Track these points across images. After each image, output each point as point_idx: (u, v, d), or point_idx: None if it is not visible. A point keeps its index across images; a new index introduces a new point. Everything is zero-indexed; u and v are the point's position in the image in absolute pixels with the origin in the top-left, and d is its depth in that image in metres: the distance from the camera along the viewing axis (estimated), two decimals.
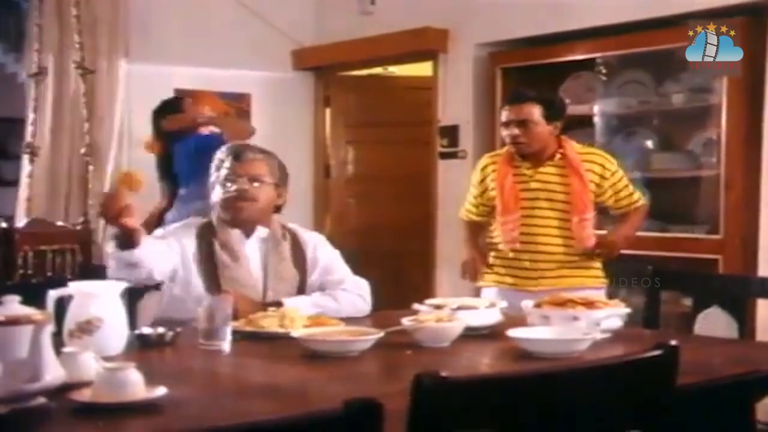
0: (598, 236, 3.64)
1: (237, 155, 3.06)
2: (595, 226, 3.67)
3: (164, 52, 5.46)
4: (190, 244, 3.01)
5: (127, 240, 2.72)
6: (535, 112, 3.57)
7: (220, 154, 3.12)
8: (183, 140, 4.79)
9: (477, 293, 3.78)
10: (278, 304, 2.86)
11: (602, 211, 3.83)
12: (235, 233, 3.06)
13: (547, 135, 3.59)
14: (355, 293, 3.10)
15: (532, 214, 3.61)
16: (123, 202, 2.67)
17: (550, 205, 3.60)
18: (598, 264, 3.65)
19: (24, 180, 5.29)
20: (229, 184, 3.03)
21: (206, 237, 3.04)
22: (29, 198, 5.26)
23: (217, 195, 3.07)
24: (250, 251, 3.06)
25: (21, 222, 4.91)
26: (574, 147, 3.66)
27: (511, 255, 3.64)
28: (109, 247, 2.78)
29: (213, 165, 3.12)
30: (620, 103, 4.73)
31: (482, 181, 3.74)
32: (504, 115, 3.64)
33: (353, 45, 5.65)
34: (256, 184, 3.02)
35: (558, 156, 3.61)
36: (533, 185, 3.61)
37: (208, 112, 5.01)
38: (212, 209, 3.12)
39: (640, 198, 3.72)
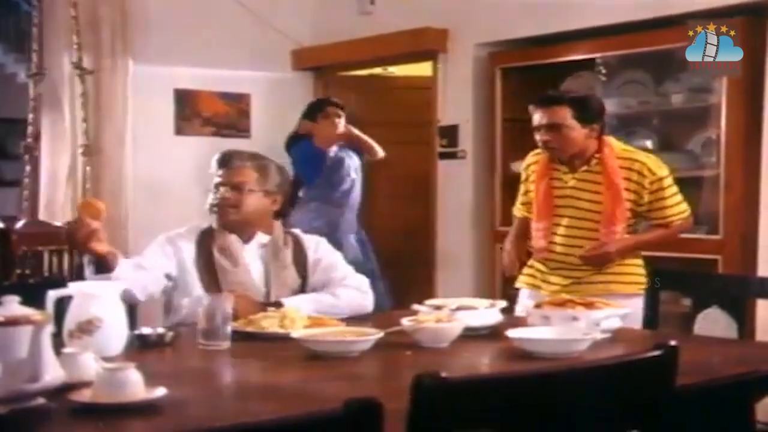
0: (596, 241, 3.39)
1: (223, 162, 3.13)
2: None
3: (164, 53, 5.46)
4: (189, 249, 3.03)
5: (102, 264, 2.73)
6: (567, 115, 3.33)
7: (213, 161, 3.17)
8: (298, 145, 5.23)
9: (516, 292, 3.64)
10: (278, 305, 2.86)
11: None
12: (233, 238, 3.07)
13: (583, 139, 3.35)
14: (353, 288, 3.09)
15: (562, 223, 3.42)
16: (88, 228, 2.66)
17: (582, 214, 3.39)
18: (628, 269, 3.40)
19: (24, 181, 5.30)
20: (214, 191, 3.09)
21: (205, 242, 3.06)
22: (27, 198, 5.27)
23: (210, 200, 3.12)
24: (250, 257, 3.07)
25: (18, 222, 4.91)
26: (615, 150, 3.40)
27: (545, 261, 3.48)
28: (88, 272, 2.78)
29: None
30: (620, 103, 4.72)
31: (525, 180, 3.61)
32: (534, 119, 3.41)
33: (353, 45, 5.65)
34: (238, 192, 3.06)
35: (595, 161, 3.38)
36: (568, 192, 3.42)
37: (340, 127, 5.31)
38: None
39: (678, 215, 3.40)
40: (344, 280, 3.11)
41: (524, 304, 3.41)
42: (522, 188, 3.67)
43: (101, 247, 2.70)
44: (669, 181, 3.40)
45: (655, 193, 3.37)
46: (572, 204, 3.42)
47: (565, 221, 3.43)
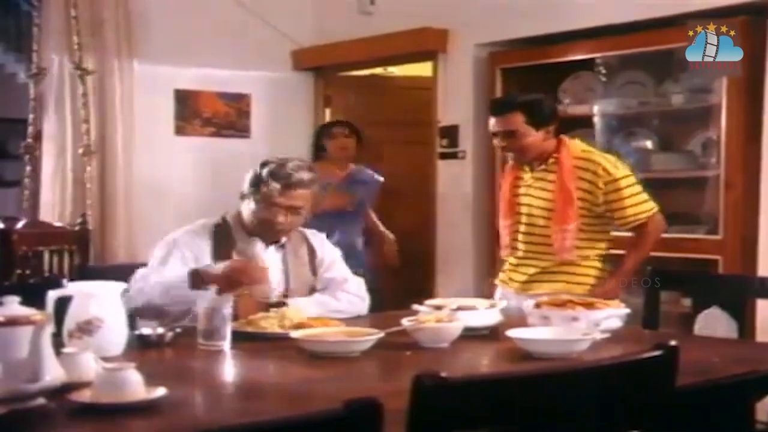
0: (597, 286, 3.38)
1: (286, 183, 3.00)
2: (609, 244, 3.49)
3: (164, 53, 5.46)
4: (206, 248, 3.00)
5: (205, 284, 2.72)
6: (519, 120, 3.39)
7: (267, 171, 3.02)
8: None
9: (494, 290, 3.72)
10: (282, 305, 2.86)
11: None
12: (256, 242, 3.06)
13: (539, 142, 3.41)
14: (354, 293, 3.14)
15: (522, 221, 3.51)
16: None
17: (536, 212, 3.46)
18: (584, 270, 3.44)
19: (24, 181, 5.30)
20: (264, 205, 2.99)
21: (223, 244, 3.03)
22: (28, 198, 5.27)
23: (255, 211, 3.02)
24: (270, 259, 3.06)
25: (19, 222, 4.91)
26: (572, 150, 3.44)
27: (513, 260, 3.57)
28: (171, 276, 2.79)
29: (254, 176, 3.05)
30: (620, 103, 4.72)
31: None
32: (490, 124, 3.50)
33: (353, 45, 5.65)
34: (295, 215, 3.03)
35: (552, 160, 3.44)
36: (530, 191, 3.49)
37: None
38: (234, 215, 3.10)
39: (637, 215, 3.39)
40: (344, 283, 3.15)
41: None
42: None
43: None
44: (627, 181, 3.39)
45: (610, 193, 3.37)
46: (528, 202, 3.49)
47: (524, 219, 3.51)
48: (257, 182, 3.03)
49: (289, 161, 3.06)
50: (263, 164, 3.07)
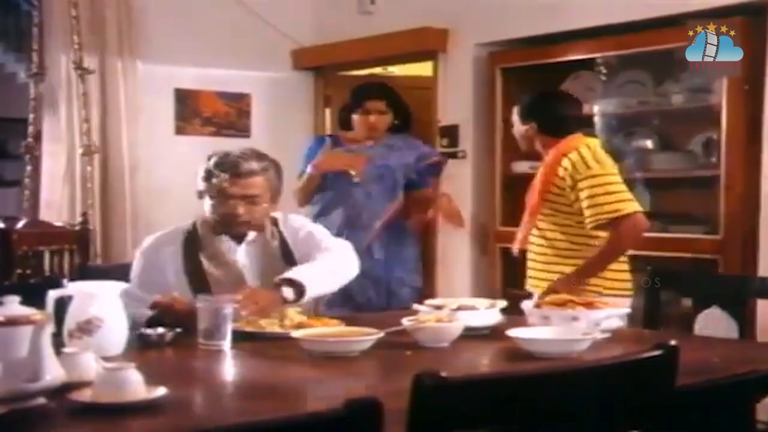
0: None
1: (232, 169, 2.93)
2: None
3: (164, 53, 5.46)
4: (174, 254, 2.95)
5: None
6: (515, 111, 3.67)
7: (213, 163, 2.97)
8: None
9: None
10: (291, 282, 2.79)
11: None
12: (225, 242, 2.99)
13: (521, 134, 3.62)
14: (337, 250, 3.02)
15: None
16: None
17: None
18: (611, 275, 3.44)
19: (25, 180, 5.30)
20: (218, 199, 2.94)
21: (192, 248, 2.97)
22: (28, 198, 5.27)
23: (213, 206, 2.96)
24: (242, 257, 2.99)
25: (19, 222, 4.92)
26: (563, 148, 3.46)
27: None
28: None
29: (204, 171, 2.99)
30: (620, 103, 4.72)
31: None
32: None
33: (353, 45, 5.65)
34: (251, 204, 2.94)
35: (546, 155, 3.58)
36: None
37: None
38: (201, 217, 3.02)
39: (595, 216, 3.33)
40: (323, 242, 3.03)
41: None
42: None
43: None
44: (608, 179, 3.38)
45: (587, 190, 3.36)
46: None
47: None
48: (209, 176, 2.96)
49: (233, 151, 3.00)
50: (209, 157, 3.00)
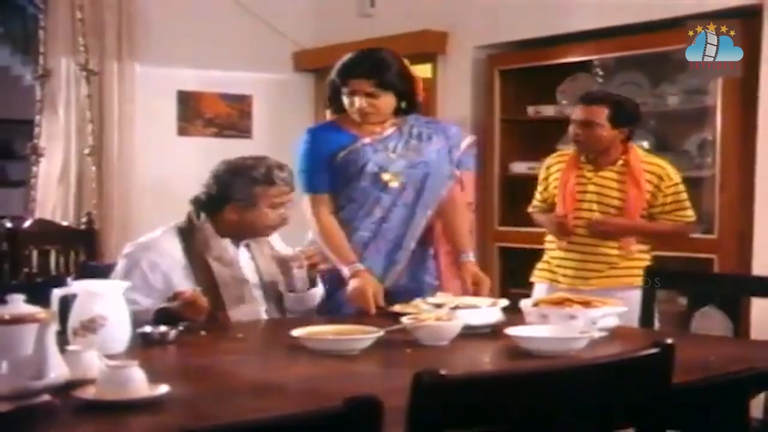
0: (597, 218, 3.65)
1: (286, 183, 3.04)
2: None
3: (166, 55, 5.48)
4: (176, 252, 2.96)
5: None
6: (602, 114, 3.61)
7: (262, 173, 3.00)
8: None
9: (530, 288, 3.85)
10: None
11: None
12: (227, 244, 3.03)
13: (611, 139, 3.63)
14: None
15: (584, 216, 3.68)
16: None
17: (602, 208, 3.66)
18: (643, 264, 3.59)
19: (30, 181, 5.32)
20: (262, 210, 3.00)
21: (196, 249, 2.98)
22: (35, 198, 5.29)
23: (232, 213, 2.99)
24: (243, 258, 3.06)
25: (26, 222, 4.94)
26: (638, 155, 3.69)
27: (562, 254, 3.71)
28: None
29: (247, 178, 3.00)
30: None
31: (546, 178, 3.86)
32: (574, 113, 3.72)
33: (353, 47, 5.59)
34: (286, 209, 3.06)
35: (620, 162, 3.66)
36: (591, 188, 3.68)
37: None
38: (205, 220, 3.03)
39: (687, 218, 3.69)
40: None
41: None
42: (540, 187, 3.89)
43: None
44: (682, 187, 3.67)
45: (670, 196, 3.63)
46: (597, 199, 3.66)
47: (585, 214, 3.67)
48: (252, 183, 2.98)
49: (266, 159, 3.05)
50: (247, 167, 3.01)
